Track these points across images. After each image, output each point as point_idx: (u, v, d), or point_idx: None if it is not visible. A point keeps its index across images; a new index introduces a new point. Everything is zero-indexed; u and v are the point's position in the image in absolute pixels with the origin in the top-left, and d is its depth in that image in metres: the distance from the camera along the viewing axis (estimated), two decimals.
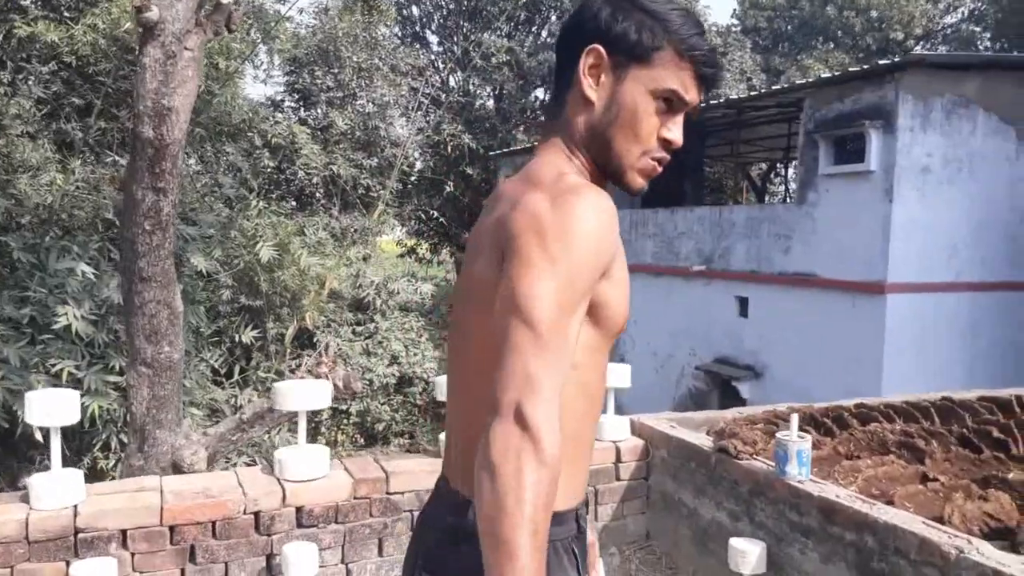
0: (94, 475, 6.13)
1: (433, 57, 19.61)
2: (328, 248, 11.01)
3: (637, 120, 1.15)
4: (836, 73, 9.90)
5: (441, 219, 17.80)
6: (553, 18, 19.06)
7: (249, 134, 10.68)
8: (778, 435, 2.86)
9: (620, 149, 1.17)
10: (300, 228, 10.26)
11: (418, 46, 18.85)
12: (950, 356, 8.62)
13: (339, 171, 12.43)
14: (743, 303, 10.54)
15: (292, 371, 9.54)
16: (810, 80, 9.87)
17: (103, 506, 2.78)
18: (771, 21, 25.13)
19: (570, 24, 1.22)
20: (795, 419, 2.84)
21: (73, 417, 2.84)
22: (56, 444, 2.84)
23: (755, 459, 3.05)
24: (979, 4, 23.54)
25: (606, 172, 1.21)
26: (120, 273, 4.82)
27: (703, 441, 3.35)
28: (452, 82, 19.06)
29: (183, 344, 4.51)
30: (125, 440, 5.58)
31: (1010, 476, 2.72)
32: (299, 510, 3.04)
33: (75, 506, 2.74)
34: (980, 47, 22.67)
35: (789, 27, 25.12)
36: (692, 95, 1.17)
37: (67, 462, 3.63)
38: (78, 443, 6.33)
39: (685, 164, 13.55)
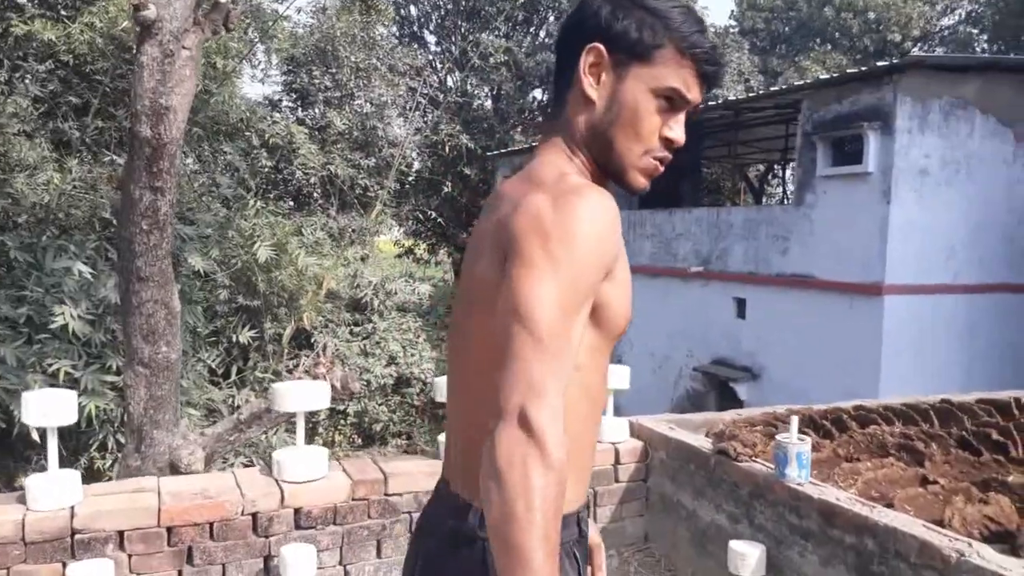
0: (91, 475, 6.12)
1: (431, 57, 19.60)
2: (326, 248, 11.00)
3: (638, 119, 1.15)
4: (834, 75, 9.90)
5: (439, 219, 17.78)
6: (551, 18, 19.06)
7: (247, 134, 10.66)
8: (778, 437, 2.85)
9: (621, 148, 1.16)
10: (298, 228, 10.25)
11: (416, 46, 18.84)
12: (948, 358, 8.62)
13: (337, 171, 12.41)
14: (741, 304, 10.54)
15: (290, 371, 9.52)
16: (808, 81, 9.87)
17: (100, 507, 2.76)
18: (769, 22, 25.15)
19: (570, 22, 1.21)
20: (795, 421, 2.83)
21: (70, 417, 2.82)
22: (53, 445, 2.82)
23: (755, 461, 3.04)
24: (976, 6, 23.58)
25: (607, 172, 1.20)
26: (117, 273, 4.81)
27: (702, 443, 3.34)
28: (450, 82, 19.04)
29: (180, 344, 4.49)
30: (122, 440, 5.57)
31: (1010, 479, 2.72)
32: (297, 511, 3.03)
33: (72, 507, 2.73)
34: (977, 49, 22.71)
35: (787, 28, 25.15)
36: (694, 93, 1.16)
37: (64, 462, 3.61)
38: (75, 443, 6.31)
39: (683, 165, 13.55)
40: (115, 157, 8.03)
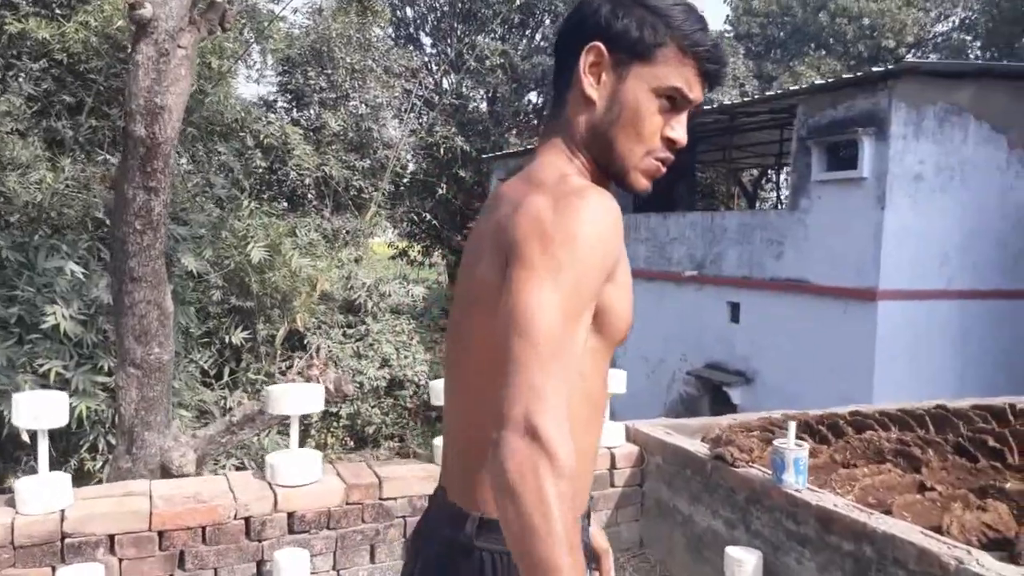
0: (81, 477, 6.06)
1: (427, 59, 19.58)
2: (319, 249, 10.96)
3: (640, 119, 1.13)
4: (829, 80, 9.94)
5: (433, 221, 17.75)
6: (547, 21, 19.07)
7: (241, 134, 10.62)
8: (775, 443, 2.84)
9: (623, 149, 1.15)
10: (292, 229, 10.21)
11: (412, 48, 18.82)
12: (941, 363, 8.64)
13: (331, 172, 12.38)
14: (735, 309, 10.55)
15: (283, 373, 9.49)
16: (803, 87, 9.89)
17: (91, 511, 2.73)
18: (764, 27, 25.22)
19: (569, 22, 1.19)
20: (792, 427, 2.82)
21: (61, 420, 2.79)
22: (43, 447, 2.79)
23: (751, 467, 3.03)
24: (970, 13, 23.70)
25: (608, 173, 1.18)
26: (110, 273, 4.77)
27: (699, 448, 3.33)
28: (445, 84, 19.03)
29: (173, 345, 4.46)
30: (113, 442, 5.52)
31: (1007, 486, 2.71)
32: (291, 515, 3.00)
33: (62, 511, 2.69)
34: (970, 56, 22.81)
35: (782, 33, 25.21)
36: (696, 92, 1.14)
37: (54, 463, 3.58)
38: (65, 444, 6.26)
39: (678, 169, 13.55)
40: (109, 156, 7.99)
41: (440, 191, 17.37)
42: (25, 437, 5.43)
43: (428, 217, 17.49)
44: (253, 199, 10.07)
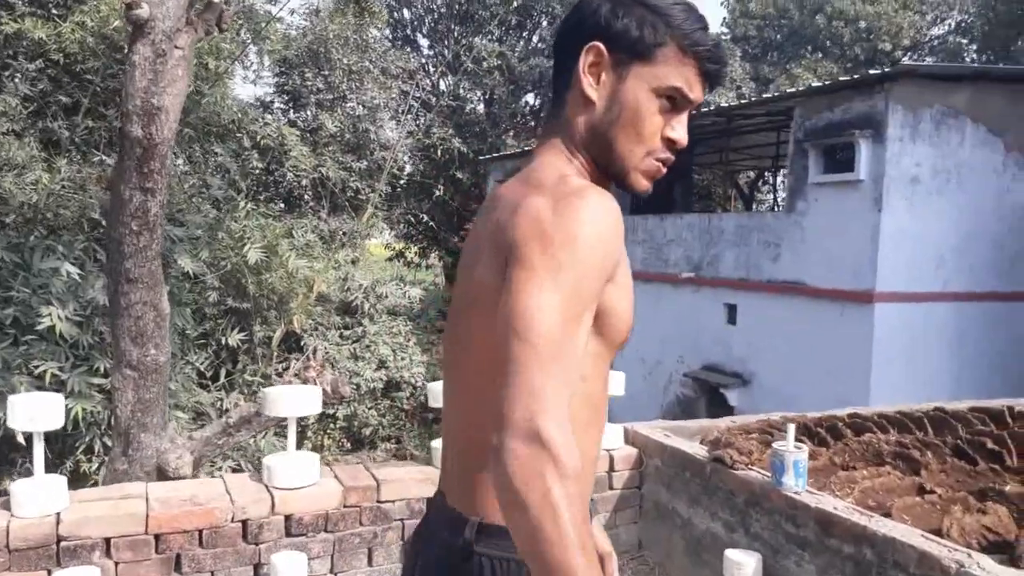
0: (77, 478, 6.04)
1: (424, 60, 19.57)
2: (316, 251, 10.94)
3: (640, 119, 1.12)
4: (826, 82, 9.94)
5: (430, 223, 17.74)
6: (544, 23, 19.08)
7: (238, 135, 10.60)
8: (774, 445, 2.83)
9: (623, 150, 1.14)
10: (288, 230, 10.18)
11: (409, 49, 18.81)
12: (938, 365, 8.65)
13: (328, 173, 12.35)
14: (732, 310, 10.55)
15: (279, 374, 9.46)
16: (800, 89, 9.90)
17: (86, 513, 2.71)
18: (761, 30, 25.25)
19: (569, 21, 1.17)
20: (791, 429, 2.81)
21: (57, 422, 2.77)
22: (39, 449, 2.77)
23: (751, 469, 3.02)
24: (966, 17, 23.77)
25: (608, 173, 1.17)
26: (106, 274, 4.75)
27: (698, 450, 3.32)
28: (442, 86, 19.02)
29: (169, 347, 4.44)
30: (109, 443, 5.50)
31: (1007, 488, 2.71)
32: (288, 518, 2.99)
33: (58, 514, 2.67)
34: (966, 59, 22.88)
35: (778, 36, 25.25)
36: (696, 92, 1.13)
37: (49, 465, 3.55)
38: (61, 446, 6.23)
39: (675, 171, 13.56)
40: (105, 157, 7.96)
41: (437, 193, 17.37)
42: (21, 439, 5.41)
43: (425, 219, 17.48)
44: (250, 200, 10.05)
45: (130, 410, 4.21)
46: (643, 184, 1.18)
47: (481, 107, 19.49)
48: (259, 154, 11.26)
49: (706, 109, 10.97)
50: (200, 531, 2.84)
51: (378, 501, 3.14)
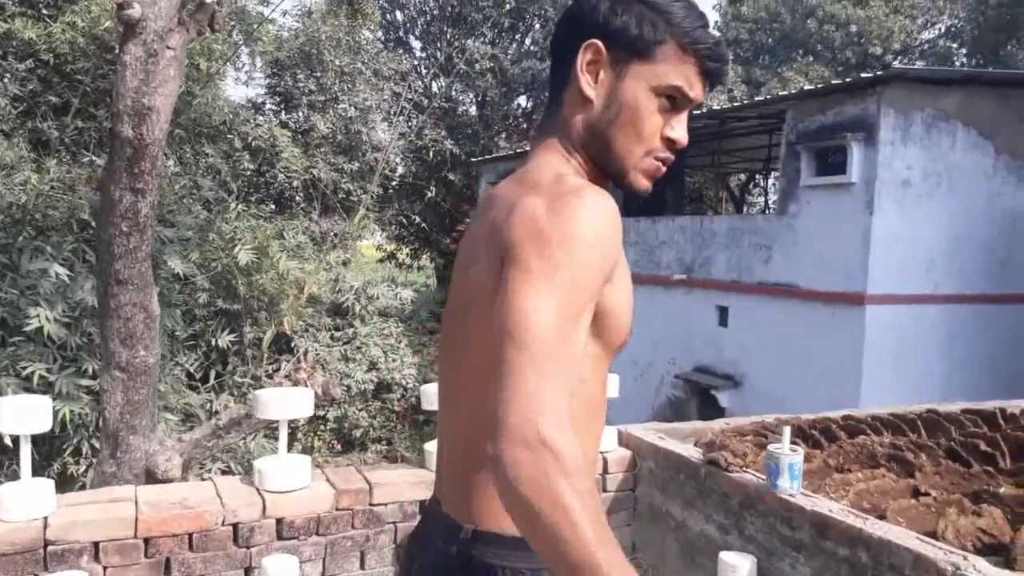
0: (64, 481, 5.98)
1: (416, 62, 19.56)
2: (307, 252, 10.89)
3: (639, 119, 1.10)
4: (818, 85, 9.98)
5: (422, 224, 17.72)
6: (537, 26, 19.10)
7: (229, 136, 10.54)
8: (769, 448, 2.82)
9: (622, 150, 1.12)
10: (279, 231, 10.14)
11: (401, 51, 18.80)
12: (928, 367, 8.69)
13: (320, 175, 12.30)
14: (723, 312, 10.57)
15: (269, 376, 9.41)
16: (793, 92, 9.94)
17: (74, 517, 2.67)
18: (752, 33, 25.35)
19: (567, 18, 1.16)
20: (787, 432, 2.81)
21: (44, 425, 2.74)
22: (26, 453, 2.74)
23: (745, 472, 3.01)
24: (956, 21, 23.92)
25: (607, 173, 1.15)
26: (95, 275, 4.70)
27: (692, 453, 3.31)
28: (435, 88, 19.02)
29: (159, 348, 4.40)
30: (97, 446, 5.45)
31: (1001, 491, 2.71)
32: (279, 521, 2.96)
33: (45, 518, 2.64)
34: (956, 63, 23.02)
35: (770, 40, 25.35)
36: (696, 91, 1.12)
37: (36, 467, 3.51)
38: (48, 448, 6.17)
39: (666, 174, 13.56)
40: (94, 158, 7.91)
41: (429, 194, 17.34)
42: (8, 442, 5.35)
43: (417, 220, 17.45)
44: (241, 201, 9.99)
45: (119, 412, 4.17)
46: (643, 183, 1.16)
47: (473, 109, 19.50)
48: (250, 155, 11.21)
49: (698, 112, 10.99)
50: (190, 535, 2.81)
51: (370, 504, 3.11)
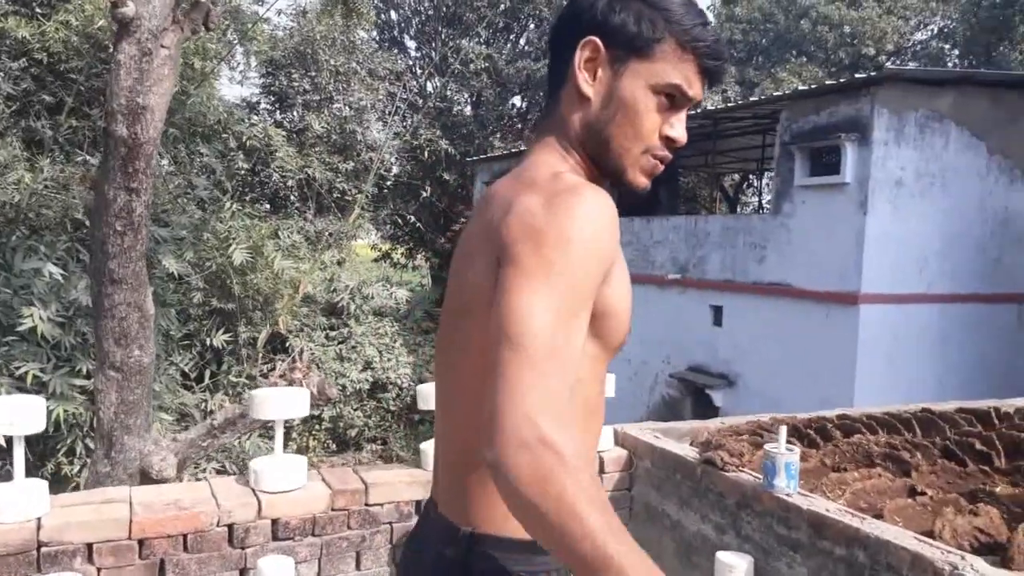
0: (58, 481, 5.96)
1: (411, 62, 19.54)
2: (302, 251, 10.88)
3: (637, 117, 1.09)
4: (812, 86, 10.00)
5: (417, 224, 17.71)
6: (531, 26, 19.11)
7: (224, 135, 10.52)
8: (766, 447, 2.82)
9: (620, 148, 1.11)
10: (274, 231, 10.13)
11: (396, 51, 18.77)
12: (921, 367, 8.72)
13: (314, 174, 12.29)
14: (717, 312, 10.59)
15: (264, 376, 9.39)
16: (787, 92, 9.96)
17: (68, 519, 2.66)
18: (746, 34, 25.40)
19: (565, 15, 1.15)
20: (783, 431, 2.81)
21: (38, 425, 2.72)
22: (20, 453, 2.72)
23: (742, 471, 3.01)
24: (948, 22, 24.01)
25: (605, 171, 1.14)
26: (90, 275, 4.68)
27: (688, 452, 3.31)
28: (430, 87, 18.99)
29: (153, 348, 4.39)
30: (91, 446, 5.43)
31: (998, 490, 2.72)
32: (275, 522, 2.94)
33: (38, 519, 2.62)
34: (949, 64, 23.11)
35: (764, 40, 25.40)
36: (696, 89, 1.11)
37: (30, 468, 3.50)
38: (42, 448, 6.15)
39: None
40: (88, 157, 7.88)
41: (424, 194, 17.34)
42: (1, 442, 5.32)
43: (412, 220, 17.44)
44: (235, 201, 9.97)
45: (113, 412, 4.15)
46: (642, 181, 1.16)
47: (468, 109, 19.49)
48: (245, 155, 11.19)
49: (692, 112, 10.99)
50: (185, 536, 2.79)
51: (366, 504, 3.10)
